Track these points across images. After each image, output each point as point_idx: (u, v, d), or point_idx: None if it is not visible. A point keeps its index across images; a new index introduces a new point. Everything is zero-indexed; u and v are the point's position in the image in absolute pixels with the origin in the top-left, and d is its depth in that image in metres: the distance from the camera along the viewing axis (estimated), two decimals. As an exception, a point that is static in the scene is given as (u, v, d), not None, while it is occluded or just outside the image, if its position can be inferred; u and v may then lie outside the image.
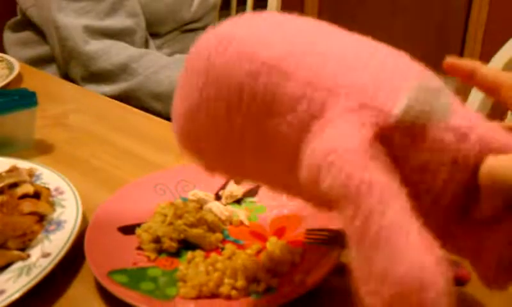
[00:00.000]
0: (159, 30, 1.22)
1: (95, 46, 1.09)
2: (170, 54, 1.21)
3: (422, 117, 0.33)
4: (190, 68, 0.41)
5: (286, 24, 0.39)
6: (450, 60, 0.44)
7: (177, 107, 0.43)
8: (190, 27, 1.28)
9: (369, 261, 0.30)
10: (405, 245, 0.29)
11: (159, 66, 1.11)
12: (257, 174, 0.43)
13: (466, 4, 2.42)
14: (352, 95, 0.34)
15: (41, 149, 0.79)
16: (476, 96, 1.01)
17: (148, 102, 1.10)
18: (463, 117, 0.34)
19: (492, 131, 0.34)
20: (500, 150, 0.33)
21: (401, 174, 0.33)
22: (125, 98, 1.03)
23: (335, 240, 0.55)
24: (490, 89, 0.43)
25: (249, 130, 0.38)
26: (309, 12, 2.72)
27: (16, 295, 0.50)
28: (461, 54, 2.47)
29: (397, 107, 0.33)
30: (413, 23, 2.54)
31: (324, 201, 0.33)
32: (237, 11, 1.59)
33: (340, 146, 0.32)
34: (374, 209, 0.30)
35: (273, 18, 0.40)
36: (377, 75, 0.35)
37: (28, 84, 1.01)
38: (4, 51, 1.24)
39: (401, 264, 0.28)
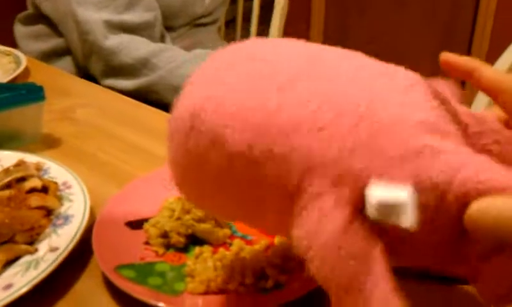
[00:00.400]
0: (173, 24, 1.22)
1: (115, 40, 1.09)
2: (182, 48, 1.21)
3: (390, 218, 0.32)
4: (173, 142, 0.41)
5: (261, 74, 0.37)
6: (447, 57, 0.42)
7: (169, 161, 0.43)
8: (201, 22, 1.29)
9: None
10: None
11: (179, 61, 1.11)
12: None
13: (474, 1, 2.40)
14: (324, 175, 0.33)
15: (48, 143, 0.79)
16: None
17: (168, 96, 1.10)
18: (442, 171, 0.32)
19: (478, 172, 0.32)
20: (485, 193, 0.32)
21: (385, 232, 0.33)
22: (144, 92, 1.03)
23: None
24: (489, 90, 0.40)
25: (233, 201, 0.39)
26: (316, 7, 2.70)
27: (24, 289, 0.50)
28: (468, 50, 2.45)
29: (366, 206, 0.32)
30: (421, 18, 2.52)
31: None
32: (244, 6, 1.58)
33: (313, 244, 0.33)
34: None
35: (246, 67, 0.38)
36: (352, 141, 0.33)
37: (35, 78, 1.01)
38: (15, 44, 1.24)
39: None
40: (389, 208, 0.31)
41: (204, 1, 1.25)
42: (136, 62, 1.10)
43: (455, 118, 0.36)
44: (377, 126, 0.33)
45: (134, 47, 1.10)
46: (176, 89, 1.13)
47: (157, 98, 0.95)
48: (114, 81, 1.10)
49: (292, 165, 0.34)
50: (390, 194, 0.31)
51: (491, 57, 0.96)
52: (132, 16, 1.11)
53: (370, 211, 0.32)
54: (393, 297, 0.32)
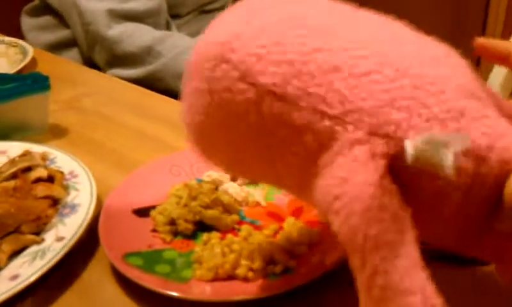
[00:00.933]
0: (179, 11, 1.21)
1: (117, 29, 1.08)
2: (189, 35, 1.20)
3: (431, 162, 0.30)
4: (193, 84, 0.39)
5: (290, 19, 0.35)
6: (482, 41, 0.41)
7: (184, 115, 0.41)
8: (208, 8, 1.27)
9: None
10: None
11: (183, 47, 1.09)
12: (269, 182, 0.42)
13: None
14: (361, 122, 0.32)
15: (55, 133, 0.78)
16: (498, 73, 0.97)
17: (174, 82, 1.09)
18: (485, 133, 0.31)
19: None
20: None
21: (413, 199, 0.32)
22: (150, 80, 1.03)
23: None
24: None
25: (257, 152, 0.36)
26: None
27: (31, 279, 0.49)
28: (483, 29, 2.41)
29: (406, 149, 0.30)
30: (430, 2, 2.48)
31: None
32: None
33: (344, 192, 0.30)
34: (378, 268, 0.29)
35: (273, 11, 0.36)
36: (393, 90, 0.32)
37: (42, 69, 1.00)
38: (22, 36, 1.23)
39: None
40: (430, 150, 0.29)
41: None
42: (139, 51, 1.09)
43: (488, 92, 0.36)
44: (420, 81, 0.32)
45: (137, 35, 1.09)
46: (180, 76, 1.12)
47: (162, 86, 0.94)
48: (118, 70, 1.09)
49: (328, 107, 0.32)
50: (432, 137, 0.30)
51: (506, 36, 0.93)
52: (136, 4, 1.10)
53: (411, 154, 0.29)
54: (420, 267, 0.30)
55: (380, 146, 0.31)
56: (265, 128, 0.34)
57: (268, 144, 0.35)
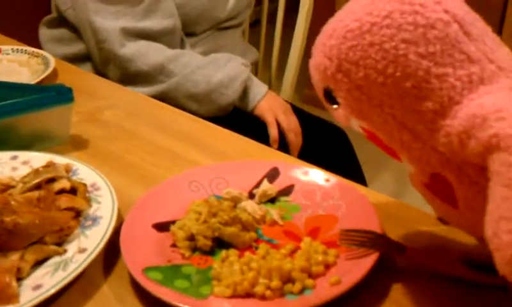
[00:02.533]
0: (195, 30, 1.22)
1: (131, 48, 1.10)
2: (204, 52, 1.21)
3: None
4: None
5: None
6: None
7: (342, 23, 0.46)
8: (224, 25, 1.28)
9: None
10: None
11: (195, 67, 1.11)
12: (391, 118, 0.45)
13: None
14: None
15: (76, 144, 0.80)
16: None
17: (185, 102, 1.10)
18: None
19: None
20: None
21: None
22: (161, 99, 1.03)
23: (371, 242, 0.54)
24: None
25: (413, 71, 0.42)
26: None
27: (53, 290, 0.50)
28: (501, 23, 2.38)
29: None
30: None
31: (453, 149, 0.41)
32: (269, 8, 1.58)
33: (511, 108, 0.37)
34: None
35: None
36: None
37: (63, 80, 1.02)
38: (39, 47, 1.25)
39: None
40: None
41: (226, 6, 1.24)
42: (151, 69, 1.10)
43: None
44: None
45: (150, 54, 1.10)
46: (191, 96, 1.14)
47: (174, 104, 0.95)
48: (132, 88, 1.11)
49: (495, 60, 0.43)
50: None
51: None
52: (151, 23, 1.12)
53: None
54: None
55: None
56: (439, 47, 0.42)
57: (432, 63, 0.42)
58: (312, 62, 0.48)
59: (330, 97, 0.48)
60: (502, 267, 0.35)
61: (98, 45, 1.12)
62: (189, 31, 1.21)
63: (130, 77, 1.12)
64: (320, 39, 0.47)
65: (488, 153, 0.37)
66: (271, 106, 1.15)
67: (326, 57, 0.46)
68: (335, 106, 0.48)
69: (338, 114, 0.50)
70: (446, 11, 0.42)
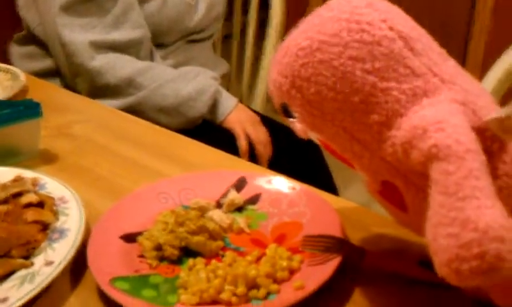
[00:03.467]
0: (164, 40, 1.23)
1: (100, 61, 1.10)
2: (175, 65, 1.22)
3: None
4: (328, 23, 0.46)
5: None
6: None
7: (295, 42, 0.47)
8: (194, 38, 1.29)
9: (457, 210, 0.36)
10: (491, 205, 0.36)
11: (164, 80, 1.12)
12: (342, 130, 0.47)
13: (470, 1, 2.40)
14: (460, 93, 0.43)
15: (45, 158, 0.80)
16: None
17: (154, 115, 1.11)
18: None
19: None
20: None
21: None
22: (131, 112, 1.04)
23: (333, 247, 0.55)
24: None
25: (360, 86, 0.44)
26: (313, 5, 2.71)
27: (19, 303, 0.50)
28: (464, 53, 2.45)
29: (489, 117, 0.41)
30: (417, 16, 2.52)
31: (401, 159, 0.43)
32: (242, 21, 1.60)
33: (450, 120, 0.40)
34: (472, 172, 0.37)
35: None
36: (475, 89, 0.45)
37: (33, 95, 1.01)
38: (10, 63, 1.25)
39: (486, 217, 0.36)
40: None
41: (194, 17, 1.25)
42: (120, 82, 1.11)
43: None
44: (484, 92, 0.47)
45: (119, 66, 1.11)
46: (160, 109, 1.16)
47: (143, 118, 0.96)
48: (101, 101, 1.11)
49: (439, 72, 0.45)
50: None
51: (488, 59, 0.96)
52: (119, 35, 1.12)
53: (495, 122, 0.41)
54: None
55: (469, 114, 0.42)
56: (384, 63, 0.44)
57: (377, 78, 0.44)
58: (270, 79, 0.50)
59: (287, 112, 0.50)
60: (440, 269, 0.37)
61: (68, 59, 1.12)
62: (159, 41, 1.22)
63: (99, 89, 1.12)
64: (276, 57, 0.49)
65: (428, 162, 0.39)
66: (240, 119, 1.17)
67: (280, 75, 0.48)
68: (292, 120, 0.50)
69: (297, 127, 0.51)
70: (391, 29, 0.44)
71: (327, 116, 0.46)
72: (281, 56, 0.48)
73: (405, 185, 0.46)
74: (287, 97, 0.48)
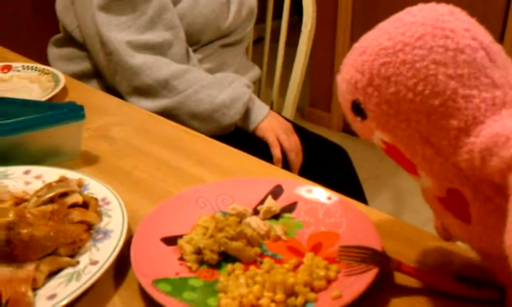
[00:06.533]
0: (199, 39, 1.24)
1: (139, 59, 1.12)
2: (210, 69, 1.24)
3: None
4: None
5: None
6: None
7: (376, 42, 0.48)
8: (227, 42, 1.31)
9: None
10: None
11: (199, 86, 1.13)
12: (417, 133, 0.48)
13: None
14: None
15: (86, 160, 0.83)
16: None
17: (187, 119, 1.13)
18: None
19: None
20: None
21: None
22: (164, 115, 1.06)
23: (369, 258, 0.56)
24: None
25: (442, 90, 0.45)
26: (342, 31, 2.73)
27: (66, 300, 0.53)
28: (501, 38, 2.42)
29: None
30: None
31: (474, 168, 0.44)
32: (272, 26, 1.61)
33: None
34: None
35: None
36: None
37: (73, 97, 1.05)
38: (48, 65, 1.29)
39: None
40: None
41: (228, 16, 1.26)
42: (156, 84, 1.13)
43: None
44: None
45: (156, 68, 1.13)
46: (194, 115, 1.17)
47: (176, 121, 0.98)
48: (137, 100, 1.14)
49: None
50: None
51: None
52: (152, 36, 1.14)
53: None
54: None
55: None
56: (467, 71, 0.45)
57: (457, 85, 0.45)
58: (341, 77, 0.51)
59: (358, 109, 0.50)
60: None
61: (107, 57, 1.15)
62: (193, 41, 1.23)
63: (135, 89, 1.14)
64: (351, 56, 0.50)
65: (509, 170, 0.40)
66: (273, 127, 1.18)
67: (357, 72, 0.49)
68: (359, 118, 0.51)
69: (362, 127, 0.52)
70: (474, 38, 0.45)
71: (402, 116, 0.47)
72: (357, 55, 0.49)
73: (474, 194, 0.46)
74: (362, 94, 0.49)
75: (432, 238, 0.63)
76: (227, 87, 1.15)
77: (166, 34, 1.15)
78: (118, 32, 1.12)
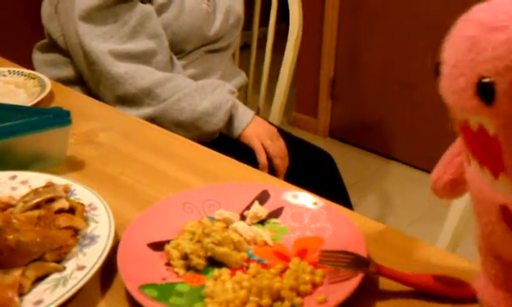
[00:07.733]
0: (184, 48, 1.25)
1: (122, 68, 1.12)
2: (195, 75, 1.24)
3: None
4: None
5: None
6: None
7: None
8: (213, 48, 1.31)
9: None
10: None
11: (182, 93, 1.13)
12: None
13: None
14: None
15: (72, 165, 0.82)
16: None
17: (170, 127, 1.12)
18: None
19: None
20: None
21: None
22: (150, 122, 1.06)
23: (352, 264, 0.57)
24: None
25: None
26: (328, 37, 2.75)
27: (53, 306, 0.53)
28: None
29: None
30: (434, 26, 2.54)
31: None
32: (259, 31, 1.62)
33: None
34: None
35: None
36: None
37: (59, 102, 1.05)
38: (33, 69, 1.28)
39: None
40: None
41: (213, 24, 1.27)
42: (139, 92, 1.13)
43: None
44: None
45: (139, 76, 1.13)
46: (177, 123, 1.17)
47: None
48: (121, 109, 1.13)
49: None
50: None
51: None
52: (135, 45, 1.14)
53: None
54: None
55: None
56: None
57: None
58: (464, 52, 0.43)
59: (486, 91, 0.42)
60: None
61: (90, 67, 1.15)
62: (178, 49, 1.23)
63: (119, 98, 1.15)
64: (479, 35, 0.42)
65: None
66: (258, 133, 1.18)
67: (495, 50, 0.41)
68: (480, 101, 0.42)
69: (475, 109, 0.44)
70: None
71: None
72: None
73: None
74: (500, 74, 0.41)
75: (415, 242, 0.65)
76: (210, 94, 1.15)
77: (150, 43, 1.15)
78: (101, 42, 1.12)
